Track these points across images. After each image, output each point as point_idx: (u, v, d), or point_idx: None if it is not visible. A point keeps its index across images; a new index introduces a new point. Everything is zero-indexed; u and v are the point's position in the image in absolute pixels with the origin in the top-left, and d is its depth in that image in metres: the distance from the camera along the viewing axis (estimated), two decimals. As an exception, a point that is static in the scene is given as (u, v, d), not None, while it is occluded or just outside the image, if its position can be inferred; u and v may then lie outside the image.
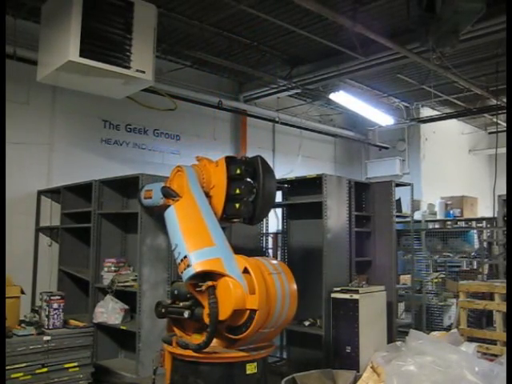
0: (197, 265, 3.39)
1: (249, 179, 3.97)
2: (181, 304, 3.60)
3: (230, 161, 4.00)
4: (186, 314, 3.50)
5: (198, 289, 3.44)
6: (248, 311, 3.32)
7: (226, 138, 9.63)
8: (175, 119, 8.45)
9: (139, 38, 5.08)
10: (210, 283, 3.36)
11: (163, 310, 3.77)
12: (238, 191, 3.88)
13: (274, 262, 3.79)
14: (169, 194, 4.03)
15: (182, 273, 3.47)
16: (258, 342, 3.54)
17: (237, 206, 3.89)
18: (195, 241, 3.54)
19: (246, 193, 3.86)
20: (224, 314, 3.30)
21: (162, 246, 5.53)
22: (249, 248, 5.79)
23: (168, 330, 3.92)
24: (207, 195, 3.97)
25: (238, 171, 3.89)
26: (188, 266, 3.41)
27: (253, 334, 3.35)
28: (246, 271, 3.42)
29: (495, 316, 5.70)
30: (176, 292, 3.69)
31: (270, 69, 8.42)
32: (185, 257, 3.46)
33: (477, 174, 13.28)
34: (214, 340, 3.45)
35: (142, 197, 4.90)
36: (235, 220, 4.08)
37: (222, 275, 3.38)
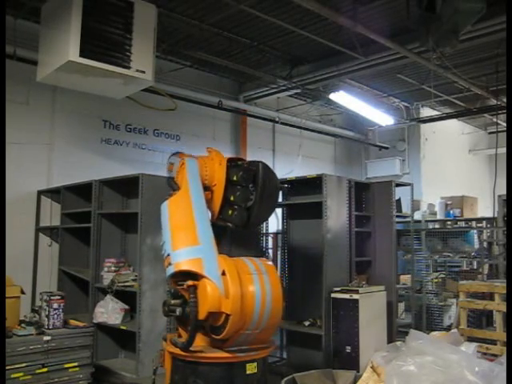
0: (176, 264, 3.43)
1: (250, 183, 3.92)
2: (172, 302, 3.60)
3: (231, 164, 3.96)
4: (178, 311, 3.51)
5: (179, 287, 3.48)
6: (224, 314, 3.30)
7: (226, 138, 9.62)
8: (175, 119, 8.45)
9: (139, 38, 5.08)
10: (190, 283, 3.37)
11: (166, 309, 3.78)
12: (232, 198, 3.86)
13: (259, 262, 3.68)
14: (170, 186, 4.02)
15: (166, 270, 3.52)
16: (251, 343, 3.50)
17: (230, 212, 3.89)
18: (180, 239, 3.54)
19: (239, 201, 3.83)
20: (201, 314, 3.31)
21: (162, 245, 5.53)
22: (249, 248, 5.79)
23: (176, 329, 3.93)
24: (209, 189, 3.94)
25: (235, 178, 3.86)
26: (169, 264, 3.46)
27: (231, 334, 3.33)
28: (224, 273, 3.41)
29: (495, 316, 5.71)
30: (172, 290, 3.71)
31: (270, 69, 8.42)
32: (168, 255, 3.50)
33: (477, 174, 13.28)
34: (205, 339, 3.48)
35: (167, 168, 4.89)
36: (229, 224, 4.06)
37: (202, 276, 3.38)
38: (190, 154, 4.28)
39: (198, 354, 3.44)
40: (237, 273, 3.39)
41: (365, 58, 7.39)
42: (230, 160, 3.99)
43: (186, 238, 3.54)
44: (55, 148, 7.31)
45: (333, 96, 9.14)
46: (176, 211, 3.69)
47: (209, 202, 3.99)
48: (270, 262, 3.77)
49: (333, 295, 5.32)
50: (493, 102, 9.69)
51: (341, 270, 5.69)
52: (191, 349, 3.46)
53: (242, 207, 3.85)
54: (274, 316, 3.52)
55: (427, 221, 9.49)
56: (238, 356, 3.44)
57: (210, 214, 4.03)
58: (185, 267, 3.41)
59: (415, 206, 8.70)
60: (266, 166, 3.97)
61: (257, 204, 3.84)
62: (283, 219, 6.57)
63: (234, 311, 3.26)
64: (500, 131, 8.38)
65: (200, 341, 3.55)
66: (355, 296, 5.14)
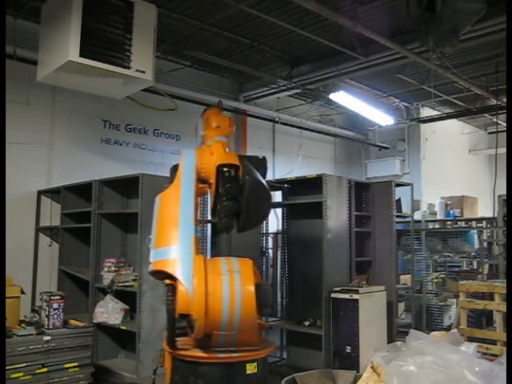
0: (153, 263, 3.44)
1: (237, 193, 3.80)
2: (165, 299, 3.59)
3: (220, 171, 3.79)
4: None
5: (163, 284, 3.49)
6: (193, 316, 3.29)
7: (226, 138, 9.61)
8: (175, 119, 8.44)
9: (139, 38, 5.08)
10: (167, 281, 3.36)
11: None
12: (219, 207, 3.82)
13: (235, 261, 3.56)
14: (169, 176, 3.97)
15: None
16: (236, 345, 3.44)
17: (217, 218, 3.88)
18: (161, 237, 3.52)
19: (224, 212, 3.77)
20: (176, 313, 3.32)
21: (162, 245, 5.53)
22: (248, 248, 5.80)
23: None
24: (207, 182, 3.88)
25: (220, 189, 3.77)
26: (149, 262, 3.48)
27: (201, 335, 3.31)
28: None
29: (495, 316, 5.70)
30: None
31: (270, 69, 8.42)
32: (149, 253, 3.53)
33: (477, 174, 13.28)
34: (192, 339, 3.47)
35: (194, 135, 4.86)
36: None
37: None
38: (223, 115, 4.35)
39: (197, 353, 3.44)
40: (204, 275, 3.32)
41: (365, 57, 7.39)
42: (220, 166, 3.79)
43: (166, 236, 3.51)
44: (55, 148, 7.30)
45: (333, 96, 9.13)
46: (163, 207, 3.65)
47: (210, 196, 3.98)
48: (249, 261, 3.60)
49: (333, 295, 5.32)
50: (493, 102, 9.69)
51: (341, 270, 5.69)
52: (181, 347, 3.46)
53: (228, 216, 3.80)
54: (246, 317, 3.35)
55: (427, 221, 9.49)
56: (237, 356, 3.42)
57: (197, 212, 4.00)
58: (158, 267, 3.41)
59: (415, 205, 8.69)
60: (254, 182, 3.79)
61: (243, 214, 3.77)
62: (283, 219, 6.58)
63: (198, 315, 3.23)
64: (500, 131, 8.38)
65: (190, 340, 3.55)
66: (355, 296, 5.14)
